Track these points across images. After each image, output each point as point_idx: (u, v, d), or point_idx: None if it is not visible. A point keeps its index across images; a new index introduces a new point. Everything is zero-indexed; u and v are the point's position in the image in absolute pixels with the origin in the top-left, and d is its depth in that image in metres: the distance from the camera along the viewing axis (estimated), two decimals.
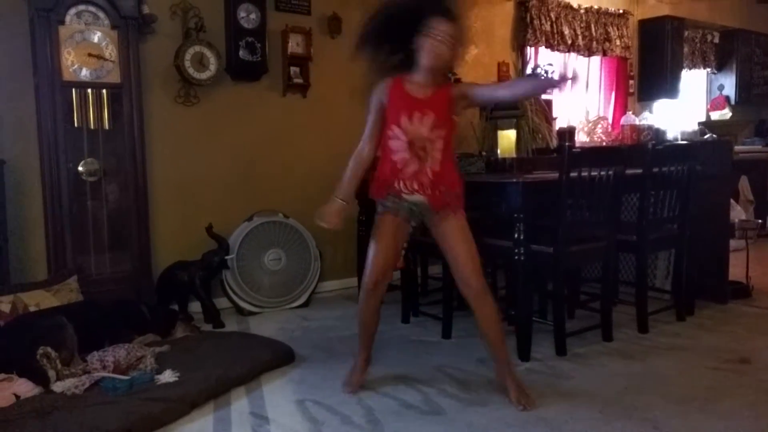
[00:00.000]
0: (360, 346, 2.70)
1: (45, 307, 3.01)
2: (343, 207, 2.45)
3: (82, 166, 3.42)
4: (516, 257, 2.92)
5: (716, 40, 7.40)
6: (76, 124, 3.39)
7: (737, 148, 6.13)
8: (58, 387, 2.44)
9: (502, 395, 2.47)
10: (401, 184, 2.41)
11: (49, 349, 2.52)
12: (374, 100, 2.46)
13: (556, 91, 2.22)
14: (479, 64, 5.34)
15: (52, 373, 2.48)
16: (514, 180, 2.97)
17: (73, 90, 3.36)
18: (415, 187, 2.40)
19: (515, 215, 2.91)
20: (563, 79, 2.45)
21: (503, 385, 2.49)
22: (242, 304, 3.89)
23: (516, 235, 2.90)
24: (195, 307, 3.74)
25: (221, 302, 3.89)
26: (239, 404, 2.51)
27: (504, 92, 2.61)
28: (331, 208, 2.45)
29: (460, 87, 2.55)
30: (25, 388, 2.41)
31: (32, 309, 3.00)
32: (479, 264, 2.42)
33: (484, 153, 4.60)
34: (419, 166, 2.38)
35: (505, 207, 2.99)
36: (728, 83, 7.50)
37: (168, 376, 2.58)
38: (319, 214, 2.44)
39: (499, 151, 4.14)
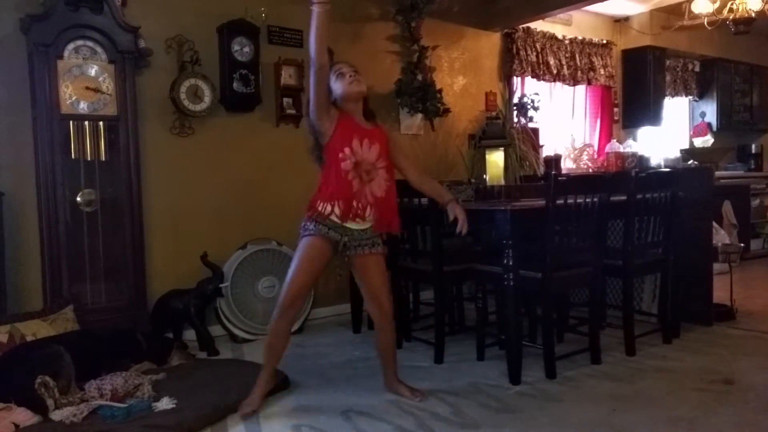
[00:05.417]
0: (264, 369, 2.75)
1: (42, 337, 3.03)
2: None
3: (80, 197, 3.47)
4: (506, 282, 2.99)
5: (697, 69, 7.60)
6: (73, 156, 3.45)
7: (719, 173, 6.28)
8: (56, 416, 2.47)
9: (494, 419, 2.53)
10: (340, 206, 2.56)
11: (47, 378, 2.56)
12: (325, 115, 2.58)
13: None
14: (467, 94, 5.48)
15: (50, 402, 2.51)
16: (503, 207, 3.05)
17: (71, 122, 3.43)
18: (356, 208, 2.58)
19: (504, 242, 2.98)
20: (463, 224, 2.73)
21: (395, 391, 2.83)
22: (236, 332, 3.92)
23: (505, 261, 2.97)
24: (190, 334, 3.77)
25: (215, 330, 3.93)
26: (236, 431, 2.54)
27: (414, 179, 2.87)
28: None
29: (390, 139, 2.78)
30: (23, 417, 2.44)
31: (29, 339, 3.02)
32: (390, 292, 2.85)
33: (473, 180, 4.68)
34: (361, 187, 2.59)
35: (494, 234, 3.07)
36: (709, 110, 7.67)
37: (165, 404, 2.62)
38: None
39: (487, 179, 4.22)
